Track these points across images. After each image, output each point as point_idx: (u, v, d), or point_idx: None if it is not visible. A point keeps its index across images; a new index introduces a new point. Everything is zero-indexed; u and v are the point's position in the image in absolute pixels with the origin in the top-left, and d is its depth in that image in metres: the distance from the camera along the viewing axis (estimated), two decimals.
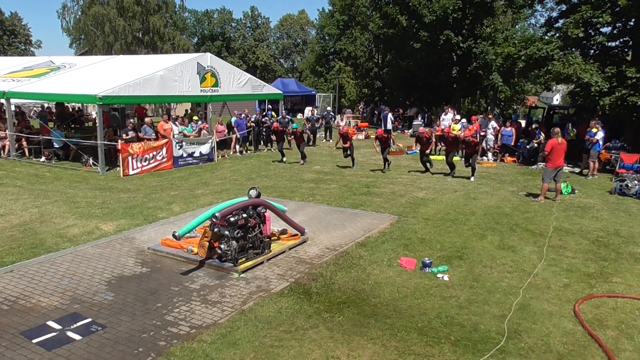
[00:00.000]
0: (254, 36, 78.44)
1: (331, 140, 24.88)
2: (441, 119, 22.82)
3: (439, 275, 7.35)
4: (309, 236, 9.16)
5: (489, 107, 33.62)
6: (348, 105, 45.71)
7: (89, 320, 5.94)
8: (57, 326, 5.77)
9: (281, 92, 24.25)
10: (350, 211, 11.20)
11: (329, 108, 27.67)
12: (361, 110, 40.11)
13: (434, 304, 6.47)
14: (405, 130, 29.68)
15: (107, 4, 44.13)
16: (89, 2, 44.69)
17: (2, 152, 18.45)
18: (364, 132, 26.62)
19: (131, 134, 15.97)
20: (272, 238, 8.60)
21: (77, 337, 5.57)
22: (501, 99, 37.25)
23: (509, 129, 18.87)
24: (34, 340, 5.46)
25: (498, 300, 6.63)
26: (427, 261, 7.64)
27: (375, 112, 33.97)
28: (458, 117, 20.78)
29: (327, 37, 53.24)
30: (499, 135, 19.08)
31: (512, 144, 18.81)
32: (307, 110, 35.19)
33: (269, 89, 23.10)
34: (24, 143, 18.38)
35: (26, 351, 5.27)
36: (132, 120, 18.25)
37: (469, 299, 6.63)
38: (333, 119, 26.78)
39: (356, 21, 41.72)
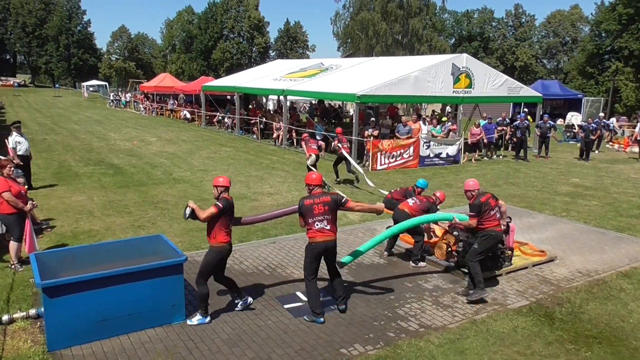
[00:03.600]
0: (515, 35, 74.11)
1: (597, 151, 21.84)
2: None
3: None
4: (557, 255, 8.25)
5: None
6: (623, 112, 39.49)
7: (329, 298, 6.48)
8: (303, 297, 6.47)
9: (540, 94, 22.33)
10: (613, 234, 9.67)
11: (601, 114, 24.23)
12: None
13: None
14: None
15: (372, 9, 47.27)
16: (357, 9, 48.60)
17: (276, 140, 21.58)
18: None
19: (370, 130, 16.83)
20: (515, 252, 8.00)
21: None
22: None
23: None
24: (285, 306, 6.25)
25: None
26: None
27: None
28: None
29: (603, 34, 46.89)
30: None
31: None
32: (570, 116, 31.67)
33: (527, 91, 21.51)
34: (294, 134, 21.15)
35: (278, 313, 6.07)
36: (373, 118, 19.13)
37: None
38: (607, 128, 23.28)
39: None
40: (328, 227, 5.85)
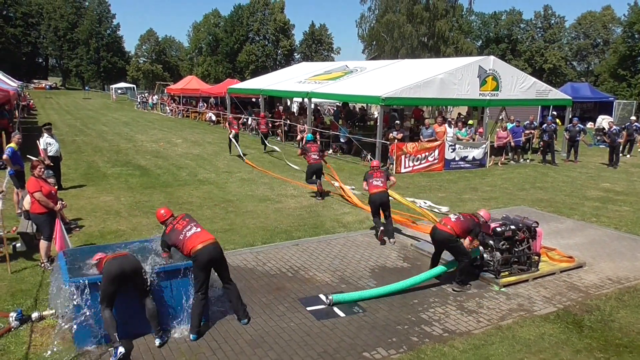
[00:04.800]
0: (544, 37, 72.83)
1: (628, 156, 21.27)
2: None
3: None
4: (586, 261, 8.05)
5: None
6: None
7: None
8: (326, 300, 6.45)
9: (570, 97, 21.87)
10: None
11: (632, 118, 23.60)
12: None
13: None
14: None
15: (398, 11, 47.02)
16: (383, 11, 48.42)
17: (300, 143, 21.62)
18: None
19: (395, 133, 16.74)
20: (542, 257, 7.83)
21: (342, 314, 6.13)
22: None
23: None
24: (308, 308, 6.24)
25: None
26: None
27: None
28: None
29: (636, 36, 45.73)
30: None
31: None
32: (601, 119, 30.93)
33: (556, 94, 21.10)
34: (318, 136, 21.15)
35: (300, 315, 6.07)
36: (398, 121, 18.97)
37: None
38: (638, 131, 22.57)
39: None
40: (199, 230, 5.63)
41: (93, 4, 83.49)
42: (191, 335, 5.47)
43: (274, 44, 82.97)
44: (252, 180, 14.15)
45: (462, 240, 6.86)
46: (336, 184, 12.52)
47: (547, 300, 6.68)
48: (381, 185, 8.88)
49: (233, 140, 18.52)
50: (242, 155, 17.80)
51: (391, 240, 8.84)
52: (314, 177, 12.04)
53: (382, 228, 8.76)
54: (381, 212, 8.90)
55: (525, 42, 73.10)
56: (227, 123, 20.47)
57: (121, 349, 4.96)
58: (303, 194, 12.56)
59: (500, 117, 19.74)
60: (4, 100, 19.24)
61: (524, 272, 7.34)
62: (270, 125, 22.84)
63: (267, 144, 19.99)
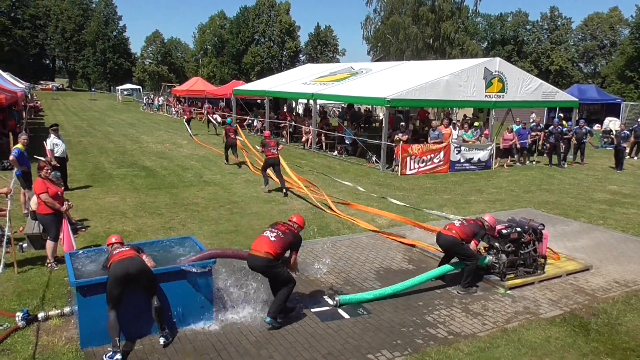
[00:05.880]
0: (550, 39, 72.59)
1: (635, 158, 21.14)
2: None
3: None
4: (592, 264, 8.00)
5: None
6: None
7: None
8: (331, 302, 6.45)
9: (577, 99, 21.77)
10: None
11: None
12: None
13: None
14: None
15: (404, 13, 47.00)
16: (388, 13, 48.41)
17: (305, 144, 21.64)
18: None
19: (400, 135, 16.74)
20: (548, 260, 7.79)
21: (346, 315, 6.12)
22: None
23: None
24: (313, 310, 6.24)
25: None
26: None
27: None
28: None
29: None
30: None
31: None
32: (608, 121, 30.79)
33: (562, 96, 21.00)
34: (323, 138, 21.17)
35: (305, 317, 6.06)
36: (403, 123, 18.96)
37: None
38: None
39: None
40: (267, 236, 5.76)
41: (100, 6, 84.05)
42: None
43: (279, 45, 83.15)
44: (257, 182, 14.16)
45: (467, 244, 6.84)
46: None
47: (553, 303, 6.64)
48: (277, 152, 12.47)
49: (185, 123, 24.38)
50: (191, 135, 23.24)
51: (284, 190, 12.50)
52: (230, 151, 17.05)
53: (278, 180, 12.62)
54: (272, 171, 12.87)
55: (532, 43, 72.93)
56: (182, 109, 28.11)
57: (118, 357, 4.97)
58: (307, 195, 12.53)
59: (531, 120, 19.71)
60: (12, 101, 19.36)
61: (530, 275, 7.31)
62: (212, 111, 30.72)
63: (209, 127, 27.30)
